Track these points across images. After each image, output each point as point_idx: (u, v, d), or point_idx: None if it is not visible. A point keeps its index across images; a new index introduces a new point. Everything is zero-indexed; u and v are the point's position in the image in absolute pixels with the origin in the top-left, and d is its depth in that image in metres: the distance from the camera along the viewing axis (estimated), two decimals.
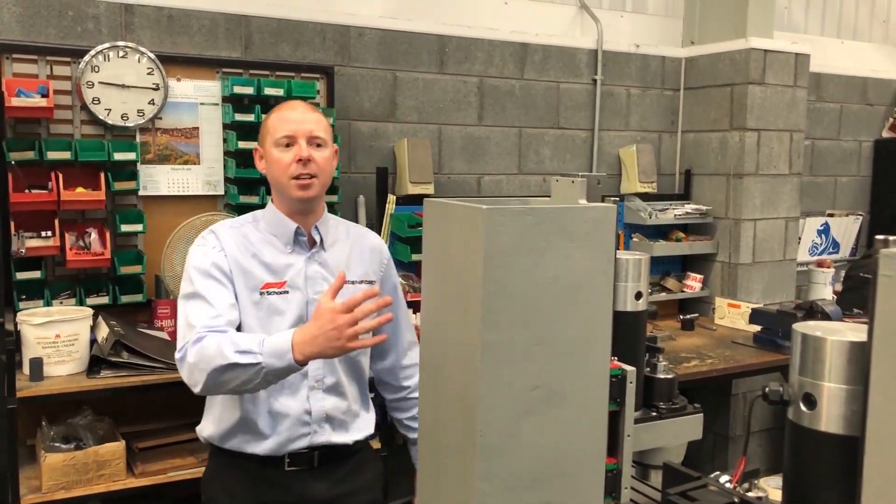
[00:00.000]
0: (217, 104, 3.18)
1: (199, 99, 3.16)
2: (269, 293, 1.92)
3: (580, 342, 1.32)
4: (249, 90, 3.12)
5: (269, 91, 3.14)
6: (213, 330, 1.81)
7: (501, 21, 3.86)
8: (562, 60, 4.02)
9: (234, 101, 3.16)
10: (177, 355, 1.85)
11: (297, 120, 1.94)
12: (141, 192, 3.05)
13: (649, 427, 1.46)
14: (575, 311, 1.31)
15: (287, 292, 1.93)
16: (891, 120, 5.19)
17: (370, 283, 2.05)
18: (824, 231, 4.98)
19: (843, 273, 4.58)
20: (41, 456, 2.51)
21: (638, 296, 1.44)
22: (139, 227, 2.96)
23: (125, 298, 2.95)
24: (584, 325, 1.32)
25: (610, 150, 4.22)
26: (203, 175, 3.18)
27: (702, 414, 1.52)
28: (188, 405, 3.03)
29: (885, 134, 5.19)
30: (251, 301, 1.91)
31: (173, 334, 3.01)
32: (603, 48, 4.10)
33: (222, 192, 3.22)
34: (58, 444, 2.54)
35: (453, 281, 1.32)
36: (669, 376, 1.51)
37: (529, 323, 1.27)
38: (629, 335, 1.44)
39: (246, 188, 3.16)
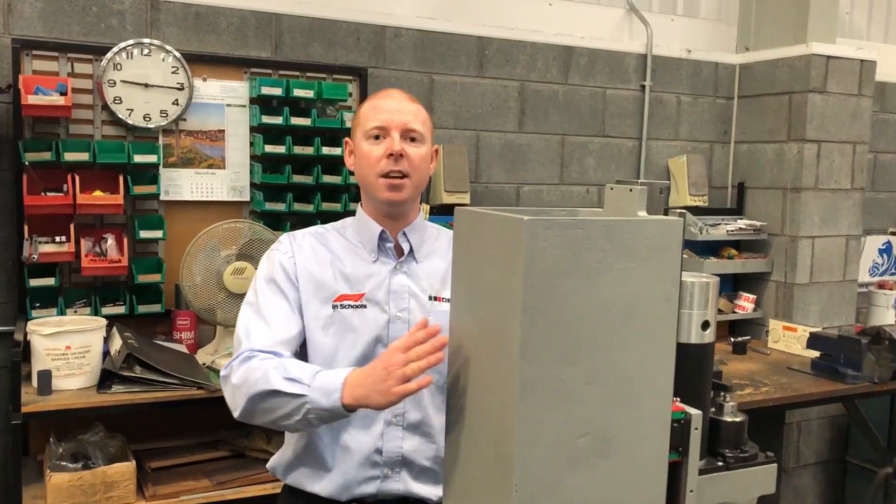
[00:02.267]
0: (244, 106, 3.03)
1: (225, 100, 3.01)
2: (342, 307, 1.65)
3: (637, 381, 1.12)
4: (278, 91, 2.96)
5: (298, 93, 2.98)
6: (266, 350, 1.59)
7: (545, 23, 3.67)
8: (609, 65, 3.80)
9: (261, 103, 3.01)
10: (222, 372, 1.62)
11: (391, 109, 1.67)
12: (162, 197, 2.91)
13: (714, 480, 1.24)
14: (632, 343, 1.10)
15: (364, 306, 1.66)
16: None
17: None
18: (886, 250, 4.67)
19: None
20: (47, 475, 2.36)
21: (705, 325, 1.23)
22: (159, 234, 2.82)
23: (143, 308, 2.80)
24: (643, 361, 1.12)
25: (658, 161, 3.99)
26: (228, 180, 3.03)
27: (776, 464, 1.30)
28: (207, 423, 2.89)
29: None
30: (323, 315, 1.65)
31: (193, 347, 2.85)
32: (653, 53, 3.87)
33: (248, 199, 3.06)
34: (65, 463, 2.39)
35: (487, 304, 1.12)
36: (738, 419, 1.29)
37: (577, 357, 1.07)
38: (694, 371, 1.23)
39: (273, 195, 3.00)
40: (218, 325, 2.81)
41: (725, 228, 3.85)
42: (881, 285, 4.34)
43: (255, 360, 1.56)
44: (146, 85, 2.85)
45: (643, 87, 3.89)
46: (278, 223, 3.02)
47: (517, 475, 1.04)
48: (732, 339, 3.72)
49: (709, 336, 1.24)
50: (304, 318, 1.65)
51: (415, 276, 1.70)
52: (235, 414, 1.58)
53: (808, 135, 3.78)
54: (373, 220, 1.72)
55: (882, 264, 4.69)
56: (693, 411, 1.17)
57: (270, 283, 1.67)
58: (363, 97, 3.22)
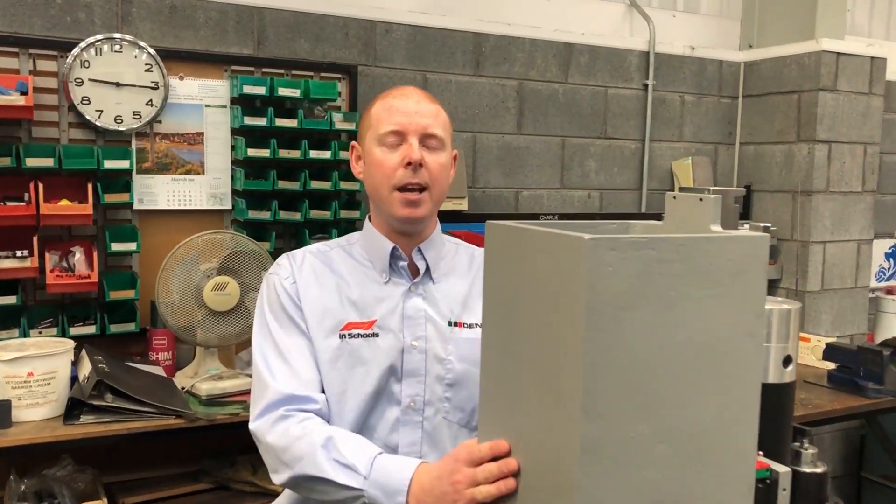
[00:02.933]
0: (225, 106, 2.80)
1: (204, 100, 2.78)
2: (350, 336, 1.45)
3: (718, 435, 0.91)
4: (261, 90, 2.73)
5: (283, 92, 2.76)
6: (300, 406, 1.37)
7: (544, 18, 3.46)
8: (610, 63, 3.61)
9: (243, 103, 2.78)
10: (251, 424, 1.39)
11: (409, 111, 1.45)
12: (136, 206, 2.67)
13: None
14: (712, 390, 0.90)
15: (376, 335, 1.45)
16: None
17: None
18: (893, 254, 4.51)
19: None
20: None
21: (786, 361, 1.03)
22: (133, 246, 2.58)
23: (115, 328, 2.57)
24: (724, 411, 0.91)
25: (662, 164, 3.80)
26: (208, 187, 2.80)
27: None
28: (187, 451, 2.66)
29: None
30: (330, 347, 1.44)
31: (170, 369, 2.62)
32: (655, 50, 3.68)
33: (229, 207, 2.83)
34: (27, 503, 2.15)
35: (534, 344, 0.91)
36: (819, 470, 1.09)
37: (649, 409, 0.86)
38: (774, 416, 1.02)
39: (257, 202, 2.77)
40: (198, 346, 2.58)
41: None
42: (889, 291, 4.18)
43: (293, 420, 1.34)
44: (117, 84, 2.62)
45: (646, 86, 3.70)
46: (263, 233, 2.79)
47: None
48: None
49: (790, 374, 1.04)
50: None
51: (431, 299, 1.50)
52: (275, 479, 1.36)
53: (818, 135, 3.60)
54: (383, 236, 1.50)
55: (889, 269, 4.53)
56: (780, 468, 0.97)
57: (280, 312, 1.46)
58: (353, 97, 3.00)
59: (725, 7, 4.01)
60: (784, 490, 0.97)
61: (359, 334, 1.44)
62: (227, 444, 2.61)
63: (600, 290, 0.81)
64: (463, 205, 3.16)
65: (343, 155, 2.85)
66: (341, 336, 1.44)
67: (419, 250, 1.50)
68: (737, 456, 0.92)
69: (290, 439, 1.31)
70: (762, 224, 0.93)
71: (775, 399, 1.03)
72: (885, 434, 3.34)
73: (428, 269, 1.51)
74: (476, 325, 1.48)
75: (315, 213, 2.83)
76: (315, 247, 1.56)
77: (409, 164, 1.41)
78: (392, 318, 1.46)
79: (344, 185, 2.87)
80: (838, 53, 3.61)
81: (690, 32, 3.89)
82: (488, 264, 0.99)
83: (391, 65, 3.13)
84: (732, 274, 0.89)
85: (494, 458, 1.03)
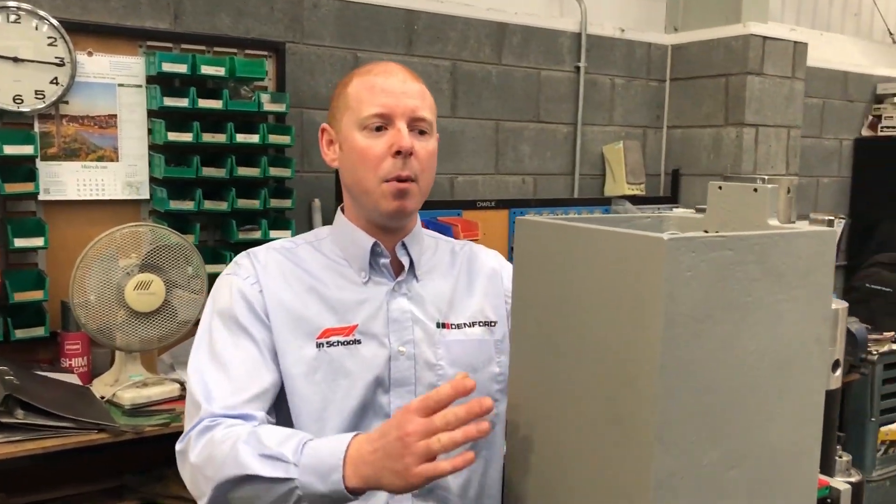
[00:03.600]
0: (140, 86, 2.55)
1: (117, 79, 2.52)
2: (329, 344, 1.27)
3: (786, 456, 0.81)
4: (182, 69, 2.49)
5: (206, 70, 2.52)
6: (231, 414, 1.19)
7: None
8: (543, 44, 3.51)
9: (162, 83, 2.53)
10: (178, 446, 1.21)
11: (394, 90, 1.27)
12: (41, 197, 2.39)
13: None
14: (783, 406, 0.79)
15: (358, 342, 1.28)
16: (870, 118, 4.90)
17: (489, 324, 1.38)
18: None
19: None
20: None
21: (835, 366, 0.94)
22: (39, 242, 2.31)
23: (20, 333, 2.30)
24: (791, 427, 0.81)
25: (593, 148, 3.75)
26: (123, 175, 2.54)
27: None
28: (109, 466, 2.41)
29: (865, 132, 4.89)
30: (306, 358, 1.26)
31: (86, 376, 2.38)
32: (587, 31, 3.61)
33: (147, 196, 2.59)
34: None
35: (587, 363, 0.78)
36: (854, 479, 1.02)
37: (721, 432, 0.75)
38: (824, 427, 0.93)
39: (178, 191, 2.54)
40: (118, 351, 2.34)
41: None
42: None
43: (218, 429, 1.15)
44: (15, 59, 2.33)
45: (578, 68, 3.63)
46: (186, 225, 2.55)
47: None
48: None
49: (837, 379, 0.95)
50: (280, 363, 1.25)
51: (417, 299, 1.34)
52: (201, 503, 1.16)
53: (746, 119, 3.63)
54: (361, 231, 1.33)
55: None
56: (841, 486, 0.88)
57: (229, 320, 1.26)
58: (280, 76, 2.80)
59: None
60: None
61: (339, 342, 1.27)
62: (153, 458, 2.38)
63: (679, 298, 0.69)
64: None
65: (273, 139, 2.65)
66: (318, 345, 1.26)
67: (403, 245, 1.34)
68: (802, 476, 0.83)
69: (213, 446, 1.14)
70: (826, 217, 0.84)
71: (825, 407, 0.94)
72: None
73: (412, 265, 1.35)
74: (465, 325, 1.35)
75: (243, 203, 2.62)
76: (279, 243, 1.37)
77: (398, 152, 1.24)
78: (375, 322, 1.29)
79: (274, 172, 2.67)
80: (764, 37, 3.64)
81: (620, 14, 3.84)
82: (520, 267, 0.85)
83: (320, 42, 2.93)
84: (802, 274, 0.79)
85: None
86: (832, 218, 0.86)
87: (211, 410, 1.17)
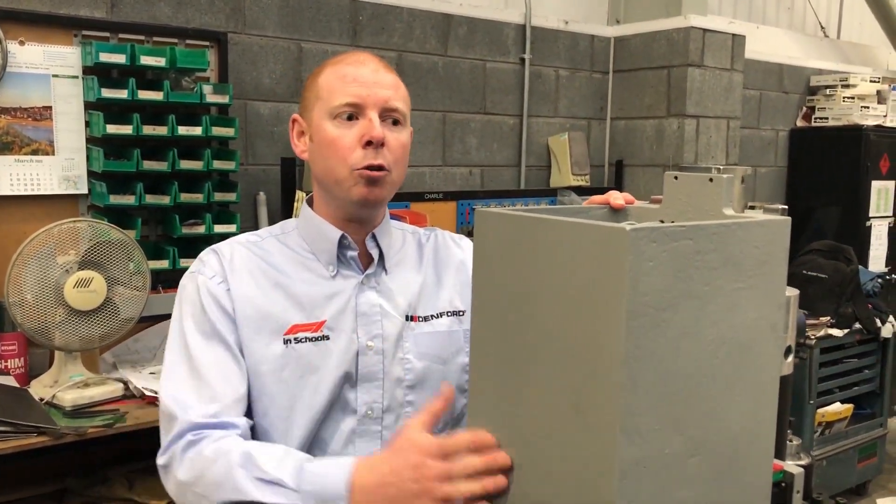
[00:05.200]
0: (77, 77, 2.46)
1: (51, 69, 2.43)
2: (296, 340, 1.24)
3: (743, 441, 0.82)
4: (121, 59, 2.42)
5: (146, 60, 2.45)
6: (213, 423, 1.16)
7: None
8: (488, 35, 3.51)
9: (100, 73, 2.45)
10: (159, 460, 1.17)
11: (367, 80, 1.25)
12: None
13: None
14: (741, 392, 0.80)
15: (326, 337, 1.26)
16: (804, 109, 5.04)
17: (457, 313, 1.37)
18: None
19: None
20: None
21: (787, 352, 0.96)
22: None
23: None
24: (750, 414, 0.82)
25: (538, 139, 3.77)
26: (59, 169, 2.45)
27: None
28: (50, 469, 2.33)
29: (800, 123, 5.03)
30: (272, 355, 1.23)
31: (23, 378, 2.30)
32: (531, 24, 3.63)
33: (86, 191, 2.51)
34: None
35: (549, 354, 0.78)
36: (804, 461, 1.04)
37: (683, 420, 0.76)
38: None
39: (118, 185, 2.46)
40: (57, 350, 2.26)
41: None
42: None
43: (205, 442, 1.12)
44: None
45: (523, 60, 3.64)
46: (127, 220, 2.48)
47: None
48: None
49: (789, 365, 0.97)
50: (246, 361, 1.22)
51: (386, 292, 1.31)
52: None
53: (687, 110, 3.69)
54: (329, 224, 1.29)
55: None
56: (794, 470, 0.90)
57: (202, 323, 1.23)
58: (222, 67, 2.74)
59: None
60: (798, 492, 0.90)
61: (306, 338, 1.24)
62: (95, 459, 2.32)
63: (641, 288, 0.70)
64: None
65: (216, 131, 2.59)
66: (286, 341, 1.24)
67: (373, 237, 1.32)
68: (759, 461, 0.84)
69: (204, 464, 1.11)
70: (779, 206, 0.85)
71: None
72: None
73: (382, 258, 1.33)
74: (433, 316, 1.33)
75: (186, 197, 2.56)
76: (243, 237, 1.33)
77: (369, 142, 1.22)
78: (344, 316, 1.27)
79: (217, 165, 2.61)
80: (704, 30, 3.71)
81: (563, 6, 3.87)
82: (480, 260, 0.85)
83: (263, 32, 2.88)
84: (759, 263, 0.80)
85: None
86: (784, 207, 0.88)
87: (189, 419, 1.14)
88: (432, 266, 1.39)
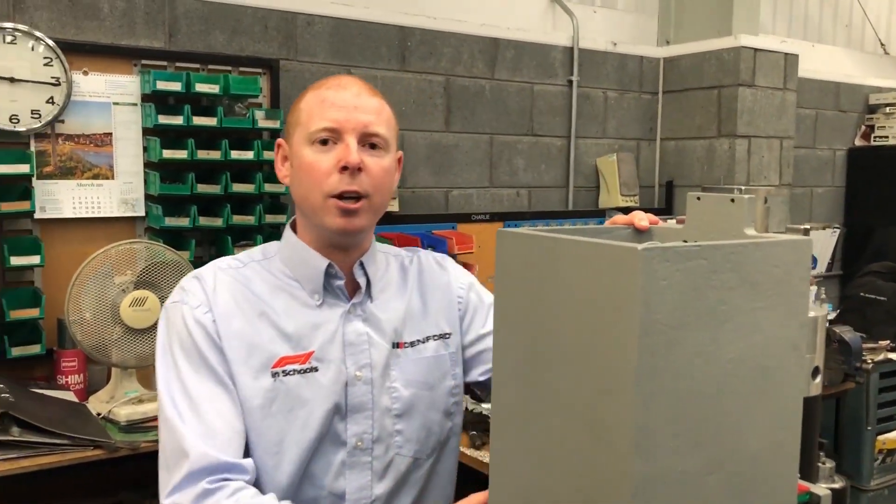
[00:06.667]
0: (136, 104, 2.57)
1: (112, 97, 2.54)
2: (285, 373, 1.21)
3: (764, 461, 0.82)
4: (177, 86, 2.52)
5: (201, 88, 2.55)
6: (228, 475, 1.13)
7: (469, 12, 3.37)
8: (535, 58, 3.54)
9: (157, 101, 2.55)
10: (166, 499, 1.14)
11: (346, 104, 1.21)
12: (37, 215, 2.41)
13: None
14: (761, 411, 0.80)
15: (315, 369, 1.22)
16: (863, 128, 4.93)
17: (444, 336, 1.35)
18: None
19: (823, 291, 4.25)
20: None
21: (815, 373, 0.95)
22: (35, 260, 2.32)
23: (17, 351, 2.31)
24: (769, 433, 0.82)
25: (587, 160, 3.77)
26: (118, 192, 2.56)
27: None
28: (104, 482, 2.42)
29: (858, 142, 4.92)
30: (261, 389, 1.20)
31: (82, 393, 2.39)
32: (579, 46, 3.65)
33: (143, 214, 2.60)
34: None
35: (565, 372, 0.79)
36: (838, 486, 1.03)
37: (700, 439, 0.76)
38: (804, 433, 0.95)
39: (173, 208, 2.56)
40: (114, 367, 2.35)
41: None
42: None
43: (222, 494, 1.11)
44: (12, 79, 2.35)
45: (570, 81, 3.66)
46: (182, 241, 2.57)
47: None
48: None
49: (817, 386, 0.96)
50: (238, 394, 1.20)
51: (373, 320, 1.29)
52: None
53: (738, 130, 3.65)
54: (314, 252, 1.26)
55: None
56: (820, 492, 0.89)
57: (194, 355, 1.19)
58: (275, 93, 2.82)
59: (641, 3, 4.02)
60: None
61: (294, 370, 1.22)
62: (149, 473, 2.38)
63: (654, 307, 0.71)
64: (394, 205, 3.03)
65: (267, 155, 2.67)
66: (274, 374, 1.21)
67: (361, 265, 1.29)
68: (782, 481, 0.84)
69: None
70: (802, 227, 0.86)
71: (805, 414, 0.95)
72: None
73: (369, 286, 1.30)
74: (419, 341, 1.32)
75: (238, 219, 2.64)
76: (225, 262, 1.29)
77: (345, 167, 1.19)
78: (332, 347, 1.24)
79: (268, 188, 2.68)
80: (756, 49, 3.67)
81: (611, 28, 3.88)
82: (501, 279, 0.87)
83: (314, 59, 2.96)
84: (779, 282, 0.80)
85: None
86: (808, 227, 0.88)
87: (200, 456, 1.12)
88: (417, 290, 1.36)
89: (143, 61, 2.59)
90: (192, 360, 1.19)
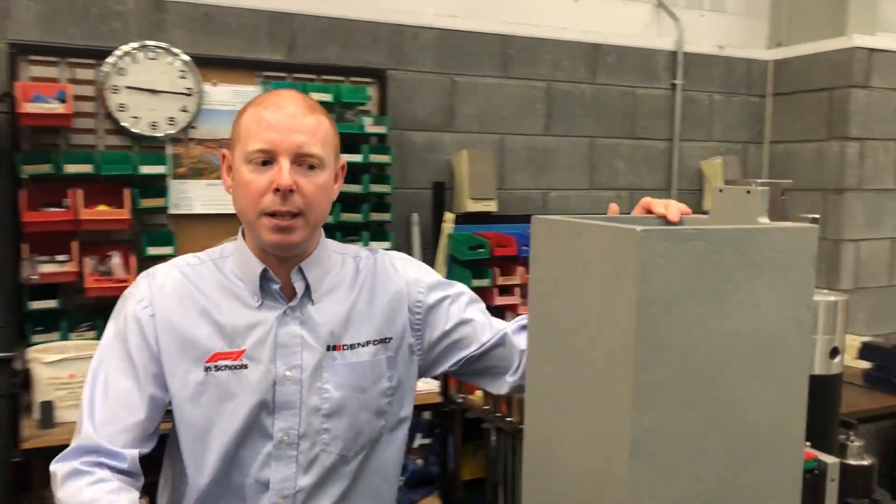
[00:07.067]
0: None
1: (237, 106, 2.80)
2: (217, 368, 1.28)
3: (767, 427, 0.91)
4: None
5: (315, 97, 2.78)
6: (103, 460, 1.23)
7: (571, 20, 3.47)
8: (638, 63, 3.60)
9: None
10: (53, 465, 1.25)
11: (281, 125, 1.25)
12: (171, 211, 2.71)
13: None
14: (762, 381, 0.90)
15: (245, 366, 1.29)
16: None
17: (384, 341, 1.39)
18: None
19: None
20: None
21: (833, 353, 1.03)
22: (169, 250, 2.62)
23: None
24: (773, 402, 0.91)
25: (690, 163, 3.78)
26: None
27: None
28: None
29: None
30: (192, 382, 1.28)
31: None
32: (683, 50, 3.67)
33: None
34: None
35: (582, 338, 0.91)
36: (866, 462, 1.09)
37: (700, 401, 0.86)
38: (821, 408, 1.02)
39: None
40: None
41: None
42: None
43: (86, 479, 1.21)
44: (152, 91, 2.66)
45: (674, 85, 3.69)
46: None
47: None
48: None
49: (837, 365, 1.04)
50: (168, 386, 1.29)
51: (310, 323, 1.33)
52: None
53: (850, 132, 3.57)
54: (254, 257, 1.31)
55: None
56: (829, 459, 0.97)
57: (121, 347, 1.30)
58: (382, 100, 3.03)
59: (752, 6, 3.98)
60: (832, 481, 0.96)
61: (226, 366, 1.29)
62: None
63: (651, 282, 0.82)
64: (492, 206, 3.17)
65: (374, 158, 2.88)
66: (206, 368, 1.28)
67: (299, 270, 1.33)
68: (785, 447, 0.92)
69: (77, 499, 1.20)
70: (810, 216, 0.93)
71: (822, 391, 1.03)
72: None
73: (308, 290, 1.34)
74: (359, 344, 1.36)
75: (346, 216, 2.86)
76: (185, 259, 1.37)
77: (277, 189, 1.22)
78: (263, 347, 1.30)
79: (374, 188, 2.89)
80: (871, 49, 3.58)
81: (718, 32, 3.87)
82: (534, 259, 1.00)
83: (419, 68, 3.15)
84: (782, 265, 0.89)
85: None
86: (817, 217, 0.96)
87: (88, 435, 1.24)
88: (367, 291, 1.39)
89: (265, 73, 2.85)
90: (119, 353, 1.29)
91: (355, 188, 2.86)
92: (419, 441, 2.84)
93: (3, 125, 2.49)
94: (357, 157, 2.85)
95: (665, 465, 0.85)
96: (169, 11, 2.72)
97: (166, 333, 1.28)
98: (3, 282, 2.52)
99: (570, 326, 0.93)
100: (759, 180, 0.99)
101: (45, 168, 2.44)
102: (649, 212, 1.13)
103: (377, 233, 2.94)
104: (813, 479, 0.96)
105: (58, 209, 2.46)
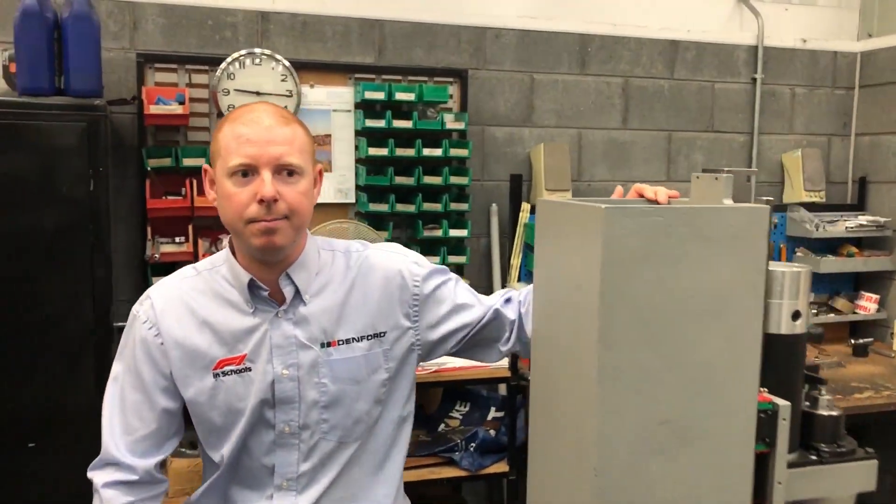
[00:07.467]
0: (349, 111, 3.14)
1: (331, 105, 3.12)
2: (224, 374, 1.41)
3: (721, 369, 1.10)
4: (381, 95, 3.05)
5: (399, 96, 3.06)
6: (121, 475, 1.43)
7: (649, 18, 3.60)
8: (717, 58, 3.69)
9: (365, 107, 3.10)
10: (90, 471, 1.46)
11: (259, 139, 1.32)
12: None
13: (806, 473, 1.20)
14: (715, 330, 1.09)
15: (248, 369, 1.41)
16: None
17: (378, 335, 1.48)
18: None
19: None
20: (168, 460, 2.51)
21: (795, 315, 1.19)
22: None
23: None
24: (726, 349, 1.10)
25: (771, 156, 3.84)
26: (335, 182, 3.14)
27: (876, 461, 1.24)
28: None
29: None
30: (206, 388, 1.42)
31: None
32: (764, 44, 3.73)
33: (353, 200, 3.17)
34: (183, 449, 2.54)
35: (567, 291, 1.13)
36: (834, 413, 1.25)
37: (658, 344, 1.07)
38: (784, 363, 1.19)
39: (376, 196, 3.09)
40: None
41: (845, 225, 3.66)
42: None
43: (108, 493, 1.43)
44: (258, 93, 2.99)
45: (754, 79, 3.75)
46: (381, 223, 3.10)
47: (595, 460, 1.05)
48: (853, 342, 3.54)
49: (799, 326, 1.20)
50: (184, 395, 1.44)
51: (303, 323, 1.44)
52: None
53: None
54: (241, 267, 1.42)
55: None
56: (781, 402, 1.14)
57: (131, 362, 1.46)
58: (463, 98, 3.26)
59: None
60: (784, 420, 1.13)
61: (231, 371, 1.41)
62: None
63: (614, 248, 1.02)
64: (568, 197, 3.36)
65: (453, 152, 3.12)
66: (215, 375, 1.42)
67: (287, 276, 1.42)
68: (739, 388, 1.10)
69: None
70: (765, 198, 1.07)
71: (786, 348, 1.19)
72: None
73: (298, 293, 1.43)
74: (353, 339, 1.46)
75: (427, 206, 3.12)
76: (182, 273, 1.50)
77: (261, 200, 1.31)
78: (261, 349, 1.42)
79: (454, 180, 3.13)
80: None
81: (803, 24, 3.89)
82: (539, 234, 1.21)
83: (500, 67, 3.37)
84: (734, 237, 1.07)
85: None
86: (770, 199, 1.13)
87: (109, 448, 1.44)
88: (359, 285, 1.48)
89: (357, 75, 3.14)
90: (129, 370, 1.46)
91: (435, 180, 3.11)
92: (493, 414, 3.07)
93: (132, 125, 2.88)
94: (437, 152, 3.10)
95: (629, 395, 1.06)
96: (272, 21, 3.06)
97: (173, 349, 1.42)
98: (131, 260, 2.92)
99: (560, 286, 1.15)
100: (726, 169, 1.17)
101: (167, 161, 2.81)
102: (642, 196, 1.33)
103: (457, 222, 3.18)
104: (767, 418, 1.13)
105: (177, 197, 2.83)
